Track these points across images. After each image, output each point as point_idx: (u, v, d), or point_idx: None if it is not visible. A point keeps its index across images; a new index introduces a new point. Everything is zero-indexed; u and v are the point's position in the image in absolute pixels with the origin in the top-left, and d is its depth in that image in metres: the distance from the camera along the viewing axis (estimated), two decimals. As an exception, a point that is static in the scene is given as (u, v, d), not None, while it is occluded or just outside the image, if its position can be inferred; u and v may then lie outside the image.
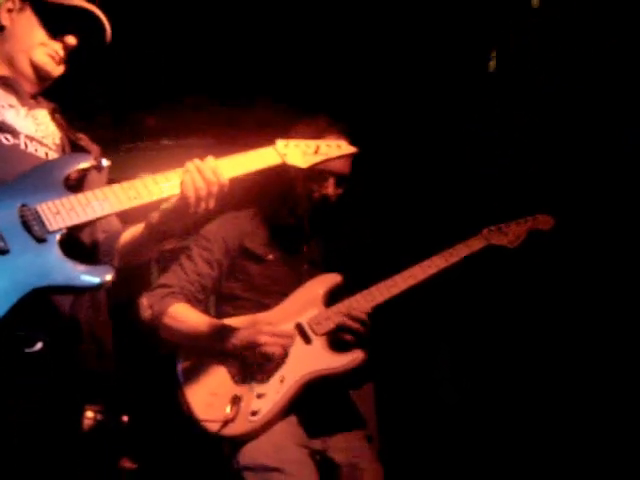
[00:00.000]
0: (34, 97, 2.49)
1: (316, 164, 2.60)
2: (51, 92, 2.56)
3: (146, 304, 3.02)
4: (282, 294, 3.11)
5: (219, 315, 3.12)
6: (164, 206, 2.31)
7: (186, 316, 3.00)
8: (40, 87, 2.50)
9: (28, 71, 2.43)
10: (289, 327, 3.01)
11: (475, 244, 3.29)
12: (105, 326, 2.45)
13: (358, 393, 4.33)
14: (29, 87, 2.46)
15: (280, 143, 2.53)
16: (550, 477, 4.26)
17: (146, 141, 5.00)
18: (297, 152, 2.54)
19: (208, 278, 3.12)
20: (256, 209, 3.27)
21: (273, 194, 3.17)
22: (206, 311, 3.16)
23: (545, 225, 3.39)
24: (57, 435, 2.24)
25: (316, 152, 2.58)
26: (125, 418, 3.92)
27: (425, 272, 3.16)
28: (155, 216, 2.34)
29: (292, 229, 3.18)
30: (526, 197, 4.15)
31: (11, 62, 2.43)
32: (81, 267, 2.08)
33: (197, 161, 2.29)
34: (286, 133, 3.03)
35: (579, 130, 4.27)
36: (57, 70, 2.48)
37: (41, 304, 2.09)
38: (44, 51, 2.42)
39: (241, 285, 3.15)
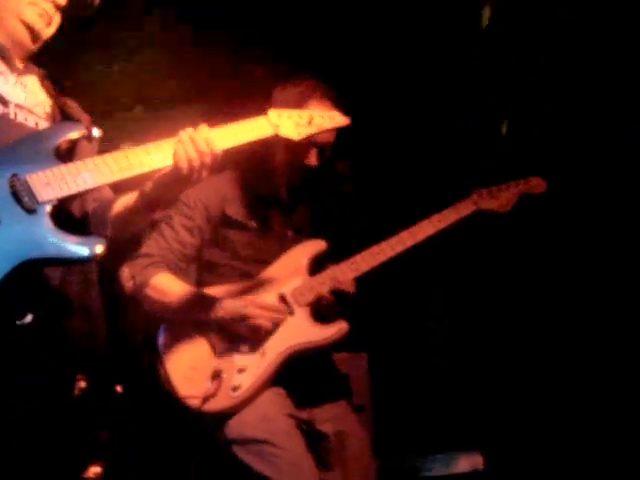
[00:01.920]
0: (23, 62, 2.43)
1: (309, 136, 2.57)
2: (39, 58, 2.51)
3: (127, 275, 2.96)
4: (265, 262, 3.06)
5: (200, 283, 3.06)
6: (157, 176, 2.28)
7: (168, 287, 2.94)
8: (30, 50, 2.43)
9: (19, 32, 2.36)
10: (272, 297, 2.96)
11: (464, 209, 3.20)
12: (96, 298, 2.43)
13: (351, 363, 4.35)
14: (18, 52, 2.40)
15: (273, 113, 2.49)
16: (542, 442, 4.30)
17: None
18: (290, 123, 2.51)
19: (190, 246, 3.05)
20: (235, 173, 3.18)
21: (252, 161, 3.08)
22: (188, 279, 3.08)
23: (537, 189, 3.29)
24: (50, 404, 2.23)
25: (309, 123, 2.54)
26: (119, 388, 3.92)
27: (413, 238, 3.09)
28: (148, 185, 2.30)
29: (272, 198, 3.13)
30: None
31: (1, 24, 2.36)
32: (72, 238, 2.06)
33: (190, 130, 2.26)
34: (270, 95, 3.02)
35: (575, 124, 4.25)
36: (47, 30, 2.41)
37: (31, 276, 2.07)
38: (34, 10, 2.34)
39: (223, 253, 3.08)
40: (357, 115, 2.74)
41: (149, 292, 2.93)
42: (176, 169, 2.23)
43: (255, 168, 3.10)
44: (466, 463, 4.36)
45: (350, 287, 3.00)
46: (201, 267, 3.13)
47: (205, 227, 3.07)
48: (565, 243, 4.31)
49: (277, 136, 2.48)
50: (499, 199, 3.24)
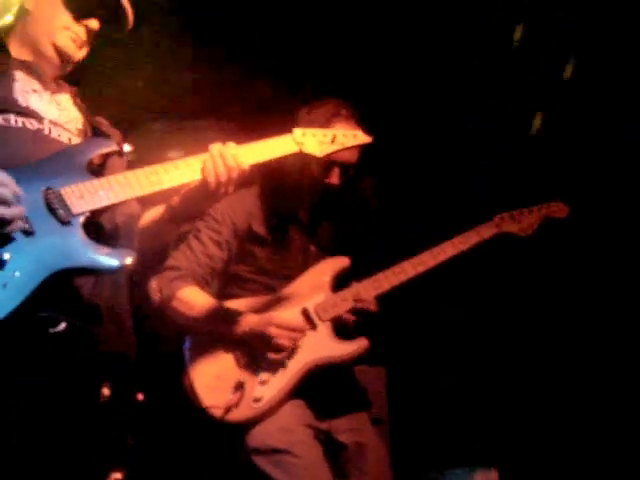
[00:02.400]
0: (56, 81, 2.51)
1: (332, 153, 2.63)
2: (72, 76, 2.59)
3: (155, 287, 3.03)
4: (289, 277, 3.11)
5: (225, 296, 3.12)
6: (184, 190, 2.36)
7: (195, 300, 3.01)
8: (62, 71, 2.52)
9: (51, 54, 2.45)
10: (295, 312, 3.02)
11: (486, 231, 3.23)
12: (126, 309, 2.49)
13: (369, 377, 4.39)
14: (51, 71, 2.48)
15: (297, 131, 2.56)
16: (558, 459, 4.31)
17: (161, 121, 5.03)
18: (314, 141, 2.58)
19: (217, 260, 3.12)
20: (260, 188, 3.23)
21: (276, 179, 3.14)
22: (215, 293, 3.15)
23: (559, 213, 3.31)
24: (75, 410, 2.27)
25: (332, 141, 2.61)
26: (140, 396, 3.96)
27: (435, 259, 3.14)
28: (175, 199, 2.39)
29: (294, 216, 3.19)
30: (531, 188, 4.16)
31: (34, 46, 2.45)
32: (103, 250, 2.13)
33: (220, 146, 2.33)
34: (293, 116, 3.09)
35: (576, 124, 4.28)
36: (79, 54, 2.50)
37: (64, 286, 2.14)
38: (67, 35, 2.44)
39: (248, 267, 3.15)
40: (382, 134, 2.80)
41: (176, 305, 3.00)
42: (204, 184, 2.30)
43: (278, 186, 3.15)
44: (481, 478, 4.38)
45: (372, 305, 3.06)
46: (227, 281, 3.19)
47: (232, 241, 3.13)
48: (569, 248, 4.33)
49: (301, 153, 2.54)
50: (521, 223, 3.28)
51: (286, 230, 3.17)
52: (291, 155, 2.54)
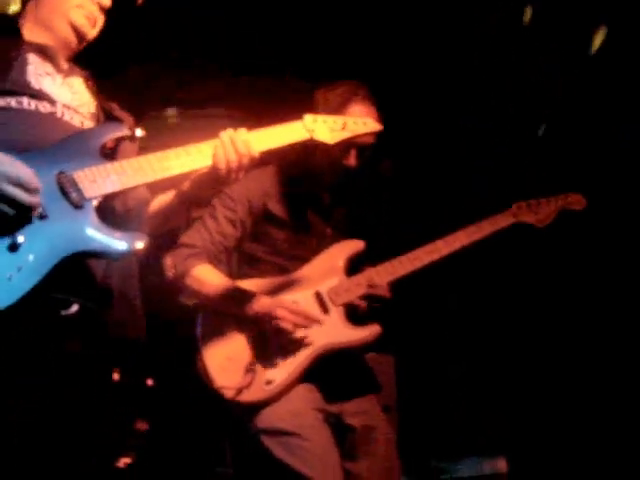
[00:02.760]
0: (69, 64, 2.51)
1: (343, 140, 2.63)
2: (82, 58, 2.59)
3: (170, 264, 3.04)
4: (304, 258, 3.12)
5: (239, 276, 3.14)
6: (194, 175, 2.36)
7: (209, 278, 3.03)
8: (75, 51, 2.52)
9: (67, 33, 2.45)
10: (308, 294, 3.03)
11: (502, 220, 3.21)
12: (136, 292, 2.50)
13: (378, 365, 4.39)
14: (65, 52, 2.48)
15: (308, 118, 2.57)
16: (566, 447, 4.32)
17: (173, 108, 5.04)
18: (324, 128, 2.58)
19: (231, 239, 3.13)
20: (278, 168, 3.23)
21: (294, 160, 3.14)
22: (228, 271, 3.17)
23: (577, 205, 3.28)
24: (85, 393, 2.28)
25: (343, 128, 2.62)
26: (150, 382, 3.99)
27: (450, 247, 3.13)
28: (186, 185, 2.39)
29: (311, 196, 3.18)
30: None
31: (49, 27, 2.45)
32: (116, 234, 2.13)
33: (230, 132, 2.33)
34: (308, 103, 3.07)
35: (575, 123, 4.27)
36: (92, 32, 2.51)
37: (76, 269, 2.14)
38: (81, 12, 2.44)
39: (263, 247, 3.15)
40: (401, 118, 2.80)
41: (189, 282, 3.02)
42: (215, 170, 2.30)
43: (296, 167, 3.15)
44: (490, 466, 4.39)
45: (385, 291, 3.06)
46: (241, 260, 3.21)
47: (247, 220, 3.13)
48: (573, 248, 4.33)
49: (312, 140, 2.55)
50: (538, 213, 3.25)
51: (302, 211, 3.18)
52: (303, 141, 2.54)
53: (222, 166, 2.30)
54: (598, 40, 4.17)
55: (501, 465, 4.42)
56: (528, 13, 4.17)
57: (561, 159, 4.30)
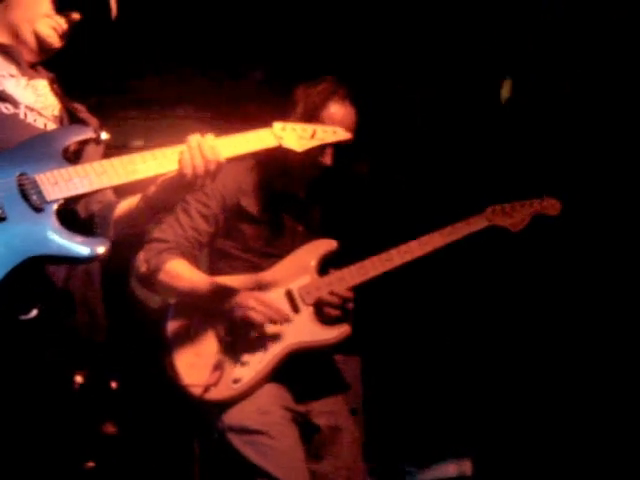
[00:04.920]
0: (33, 67, 2.49)
1: (311, 149, 2.64)
2: (50, 62, 2.57)
3: (142, 259, 3.02)
4: (276, 256, 3.11)
5: (213, 272, 3.12)
6: (160, 180, 2.33)
7: (182, 273, 3.00)
8: (40, 58, 2.50)
9: (30, 41, 2.43)
10: (279, 293, 3.02)
11: (476, 223, 3.20)
12: (97, 296, 2.48)
13: (344, 367, 4.39)
14: (29, 57, 2.46)
15: (277, 125, 2.56)
16: (532, 449, 4.34)
17: (137, 109, 5.01)
18: (293, 136, 2.58)
19: (205, 234, 3.10)
20: (253, 164, 3.19)
21: (271, 157, 3.05)
22: (202, 267, 3.15)
23: (552, 210, 3.27)
24: (47, 399, 2.27)
25: (312, 137, 2.62)
26: (114, 384, 3.96)
27: (423, 248, 3.12)
28: (152, 189, 2.36)
29: (286, 194, 3.16)
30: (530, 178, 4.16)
31: (13, 31, 2.42)
32: (77, 238, 2.11)
33: (198, 137, 2.32)
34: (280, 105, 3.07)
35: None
36: (59, 43, 2.48)
37: (36, 273, 2.13)
38: (48, 23, 2.42)
39: (235, 244, 3.13)
40: (378, 118, 2.79)
41: (162, 277, 2.99)
42: (181, 175, 2.28)
43: (273, 164, 3.11)
44: (454, 469, 4.41)
45: (353, 292, 3.05)
46: (213, 256, 3.18)
47: (220, 216, 3.11)
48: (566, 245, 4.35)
49: (280, 147, 2.55)
50: (513, 217, 3.23)
51: (276, 208, 3.15)
52: (271, 148, 2.54)
53: (188, 171, 2.27)
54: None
55: (466, 467, 4.44)
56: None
57: (538, 161, 4.32)
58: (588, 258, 4.34)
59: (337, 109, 3.05)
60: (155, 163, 2.27)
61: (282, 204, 3.16)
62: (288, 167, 3.07)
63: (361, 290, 3.11)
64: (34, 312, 2.13)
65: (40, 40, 2.43)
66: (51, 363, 2.28)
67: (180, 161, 2.28)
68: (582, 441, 4.22)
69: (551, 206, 3.27)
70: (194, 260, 3.08)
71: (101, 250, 2.12)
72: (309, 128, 2.64)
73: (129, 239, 2.48)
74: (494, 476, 4.44)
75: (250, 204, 3.12)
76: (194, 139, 2.31)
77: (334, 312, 3.04)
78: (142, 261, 3.01)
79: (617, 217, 4.27)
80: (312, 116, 2.96)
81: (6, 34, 2.43)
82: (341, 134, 2.71)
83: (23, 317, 2.11)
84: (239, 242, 3.12)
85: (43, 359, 2.24)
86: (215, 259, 3.17)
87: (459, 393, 4.75)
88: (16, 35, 2.42)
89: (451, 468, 4.42)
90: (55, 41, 2.45)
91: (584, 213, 4.11)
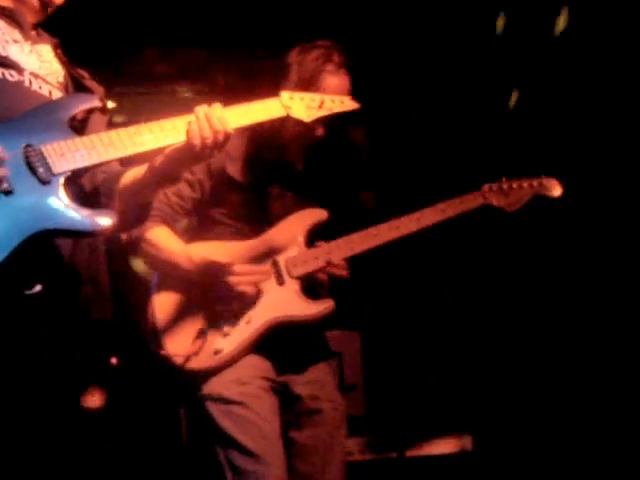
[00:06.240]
0: (36, 29, 2.41)
1: (319, 118, 2.60)
2: (51, 28, 2.49)
3: None
4: (263, 224, 3.06)
5: (198, 238, 3.07)
6: (168, 151, 2.29)
7: (164, 242, 2.95)
8: (42, 16, 2.41)
9: (34, 1, 2.34)
10: (266, 262, 2.98)
11: (471, 201, 3.11)
12: (103, 268, 2.44)
13: (344, 341, 4.37)
14: (31, 17, 2.37)
15: (285, 95, 2.52)
16: (533, 426, 4.34)
17: (143, 86, 4.96)
18: (301, 105, 2.54)
19: (189, 200, 3.04)
20: (243, 131, 3.05)
21: (262, 126, 3.01)
22: (185, 233, 3.11)
23: (552, 191, 3.13)
24: (49, 375, 2.22)
25: (320, 106, 2.58)
26: (114, 360, 3.94)
27: (414, 224, 3.05)
28: (159, 160, 2.31)
29: (277, 162, 3.10)
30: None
31: None
32: (84, 211, 2.05)
33: (205, 108, 2.26)
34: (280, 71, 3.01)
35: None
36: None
37: (42, 247, 2.07)
38: None
39: (222, 211, 3.08)
40: (375, 87, 2.75)
41: (144, 246, 2.94)
42: (189, 146, 2.24)
43: (264, 132, 3.03)
44: (455, 444, 4.41)
45: (343, 267, 3.01)
46: (199, 223, 3.14)
47: (206, 181, 3.04)
48: (567, 239, 4.33)
49: (289, 117, 2.52)
50: (509, 197, 3.13)
51: (264, 176, 3.09)
52: (279, 118, 2.51)
53: (196, 142, 2.23)
54: (562, 22, 4.16)
55: (467, 442, 4.44)
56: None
57: (538, 139, 4.28)
58: (592, 238, 4.30)
59: (332, 76, 3.00)
60: (162, 134, 2.22)
61: (272, 172, 3.10)
62: (281, 135, 3.01)
63: (360, 264, 3.07)
64: (38, 287, 2.08)
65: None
66: (54, 338, 2.22)
67: (188, 132, 2.24)
68: (584, 418, 4.21)
69: (551, 186, 3.14)
70: (178, 226, 3.05)
71: (108, 223, 2.08)
72: (317, 97, 2.60)
73: (134, 210, 2.42)
74: (495, 451, 4.44)
75: (236, 171, 3.06)
76: (201, 109, 2.27)
77: (320, 285, 3.02)
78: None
79: (619, 203, 4.23)
80: (307, 83, 2.92)
81: None
82: (349, 104, 2.67)
83: (27, 292, 2.06)
84: (226, 209, 3.07)
85: (46, 334, 2.19)
86: (202, 227, 3.13)
87: (460, 368, 4.74)
88: None
89: (452, 443, 4.41)
90: None
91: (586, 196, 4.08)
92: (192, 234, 3.13)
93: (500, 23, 4.26)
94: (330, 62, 3.01)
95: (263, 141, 3.06)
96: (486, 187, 3.16)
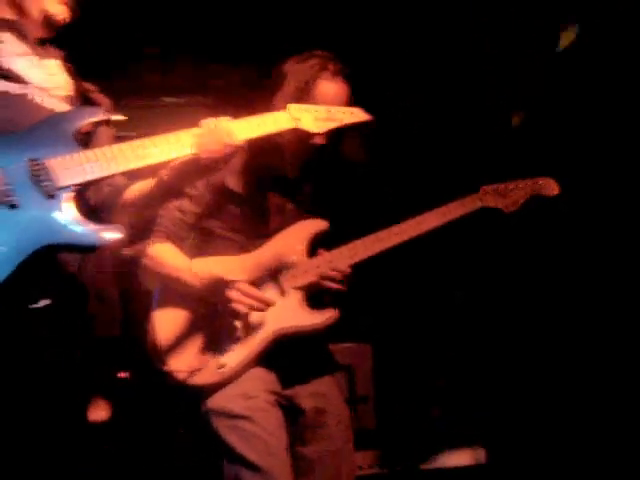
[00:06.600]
0: (43, 44, 2.41)
1: (329, 130, 2.58)
2: (57, 41, 2.48)
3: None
4: (264, 236, 3.02)
5: (199, 252, 3.02)
6: (175, 164, 2.28)
7: (165, 258, 2.92)
8: (47, 31, 2.41)
9: (38, 19, 2.35)
10: (266, 274, 2.94)
11: (469, 204, 3.08)
12: (110, 282, 2.42)
13: (355, 353, 4.35)
14: (38, 32, 2.38)
15: (293, 107, 2.51)
16: (546, 438, 4.30)
17: (145, 98, 4.95)
18: (310, 117, 2.53)
19: (190, 215, 3.00)
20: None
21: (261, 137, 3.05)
22: (187, 248, 3.04)
23: (549, 190, 3.12)
24: (56, 388, 2.21)
25: (329, 118, 2.56)
26: (123, 375, 3.91)
27: (415, 230, 3.02)
28: (166, 173, 2.31)
29: (276, 173, 3.06)
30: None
31: (20, 7, 2.34)
32: (89, 225, 2.04)
33: (212, 121, 2.26)
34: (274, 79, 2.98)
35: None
36: (66, 17, 2.39)
37: (47, 261, 2.05)
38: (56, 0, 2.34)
39: (221, 224, 3.03)
40: (371, 98, 2.73)
41: (147, 262, 2.91)
42: (195, 159, 2.23)
43: (262, 142, 3.01)
44: (468, 457, 4.37)
45: (345, 275, 2.95)
46: (200, 236, 3.08)
47: (206, 196, 3.00)
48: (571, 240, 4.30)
49: (297, 129, 2.50)
50: (506, 198, 3.12)
51: (264, 187, 3.06)
52: (288, 130, 2.49)
53: (204, 155, 2.23)
54: (566, 38, 4.14)
55: (481, 455, 4.40)
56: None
57: (535, 141, 4.26)
58: (596, 231, 4.27)
59: (329, 85, 2.96)
60: (168, 148, 2.21)
61: (271, 183, 3.07)
62: (280, 146, 2.97)
63: (370, 275, 3.04)
64: (44, 302, 2.06)
65: (48, 18, 2.35)
66: (59, 354, 2.20)
67: (195, 145, 2.23)
68: (600, 431, 4.16)
69: (548, 186, 3.13)
70: (181, 242, 2.99)
71: (114, 237, 2.06)
72: (326, 110, 2.59)
73: (140, 223, 2.41)
74: (509, 464, 4.40)
75: (236, 184, 3.03)
76: (209, 122, 2.26)
77: (322, 295, 2.98)
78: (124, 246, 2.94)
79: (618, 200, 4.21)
80: (303, 93, 2.89)
81: (11, 10, 2.35)
82: (359, 115, 2.64)
83: (33, 306, 2.05)
84: (225, 222, 3.03)
85: (51, 350, 2.17)
86: (201, 239, 3.07)
87: (473, 380, 4.70)
88: (22, 11, 2.34)
89: (465, 455, 4.38)
90: (65, 17, 2.37)
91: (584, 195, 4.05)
92: (190, 248, 3.07)
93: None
94: (326, 70, 2.98)
95: (262, 152, 3.01)
96: (483, 189, 3.15)
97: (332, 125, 2.57)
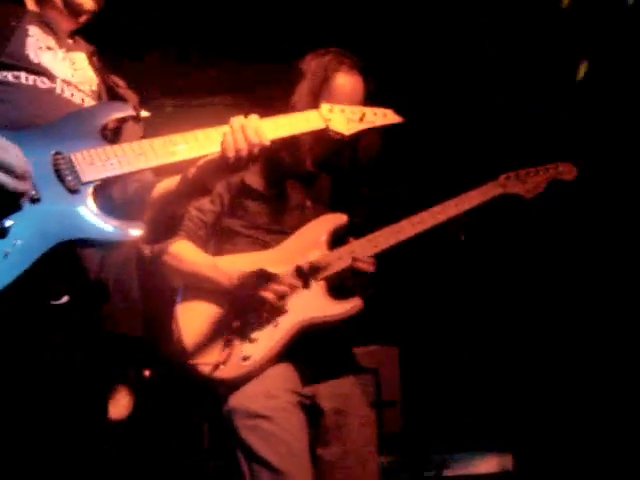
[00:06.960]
0: (71, 37, 2.39)
1: (359, 132, 2.55)
2: (86, 34, 2.46)
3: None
4: (284, 232, 3.04)
5: (219, 252, 3.06)
6: (202, 162, 2.25)
7: (186, 255, 2.94)
8: (74, 22, 2.38)
9: (63, 9, 2.32)
10: (289, 269, 2.94)
11: (490, 191, 3.09)
12: (132, 280, 2.41)
13: (382, 356, 4.32)
14: (65, 25, 2.35)
15: (325, 107, 2.48)
16: (573, 446, 4.26)
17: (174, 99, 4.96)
18: (341, 118, 2.49)
19: (209, 213, 3.03)
20: None
21: None
22: (207, 247, 3.08)
23: (567, 175, 3.14)
24: (77, 384, 2.19)
25: (361, 120, 2.53)
26: (147, 372, 3.91)
27: (435, 219, 3.03)
28: (192, 171, 2.28)
29: (295, 169, 3.07)
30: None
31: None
32: (113, 221, 2.02)
33: (241, 119, 2.23)
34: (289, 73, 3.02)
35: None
36: (92, 7, 2.35)
37: (70, 258, 2.04)
38: None
39: (241, 222, 3.06)
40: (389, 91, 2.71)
41: (167, 259, 2.92)
42: (223, 157, 2.20)
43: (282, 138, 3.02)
44: (495, 463, 4.33)
45: (368, 264, 2.97)
46: (220, 235, 3.11)
47: (225, 194, 3.04)
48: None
49: (328, 129, 2.47)
50: (527, 183, 3.12)
51: (282, 184, 3.07)
52: (318, 131, 2.46)
53: (231, 154, 2.19)
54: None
55: (508, 462, 4.36)
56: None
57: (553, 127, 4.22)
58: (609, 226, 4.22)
59: (346, 79, 3.00)
60: (196, 145, 2.19)
61: (289, 179, 3.09)
62: (299, 141, 2.97)
63: (400, 277, 3.02)
64: (65, 298, 2.04)
65: (74, 7, 2.32)
66: (81, 349, 2.19)
67: (222, 143, 2.20)
68: (628, 444, 4.11)
69: (567, 171, 3.16)
70: (200, 241, 3.03)
71: (136, 234, 2.04)
72: (358, 110, 2.55)
73: (164, 221, 2.38)
74: (536, 471, 4.36)
75: (255, 181, 3.05)
76: (237, 120, 2.23)
77: (346, 285, 2.98)
78: (146, 244, 2.92)
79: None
80: (321, 84, 2.92)
81: (42, 2, 2.32)
82: (392, 117, 2.61)
83: (54, 302, 2.03)
84: (245, 220, 3.06)
85: (73, 346, 2.15)
86: (222, 238, 3.10)
87: (501, 386, 4.67)
88: (52, 3, 2.31)
89: (493, 462, 4.34)
90: (92, 6, 2.34)
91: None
92: (213, 248, 3.10)
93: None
94: (343, 64, 3.02)
95: (281, 148, 3.01)
96: (503, 176, 3.14)
97: (363, 127, 2.54)
